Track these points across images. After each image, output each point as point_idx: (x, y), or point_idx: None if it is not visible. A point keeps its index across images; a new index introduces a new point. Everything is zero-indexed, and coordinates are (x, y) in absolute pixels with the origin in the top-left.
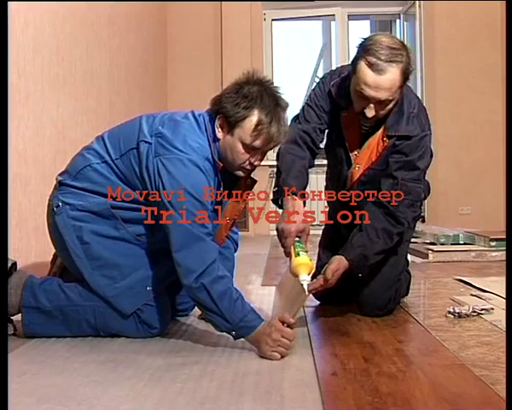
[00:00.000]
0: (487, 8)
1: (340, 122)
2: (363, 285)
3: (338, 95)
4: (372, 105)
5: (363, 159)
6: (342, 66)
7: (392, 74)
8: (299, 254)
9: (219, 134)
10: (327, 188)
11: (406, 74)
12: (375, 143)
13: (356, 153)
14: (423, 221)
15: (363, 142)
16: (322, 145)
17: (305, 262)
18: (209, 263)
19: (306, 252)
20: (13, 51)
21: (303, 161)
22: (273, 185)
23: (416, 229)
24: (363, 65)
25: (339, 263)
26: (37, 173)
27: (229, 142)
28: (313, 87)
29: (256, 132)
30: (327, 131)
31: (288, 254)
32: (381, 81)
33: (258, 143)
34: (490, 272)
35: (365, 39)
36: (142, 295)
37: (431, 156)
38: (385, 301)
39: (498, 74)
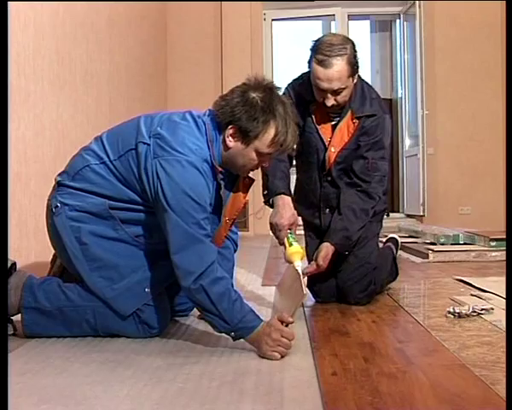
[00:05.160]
0: (487, 8)
1: (311, 115)
2: (343, 279)
3: (305, 91)
4: (329, 95)
5: (336, 141)
6: (303, 72)
7: (338, 66)
8: (292, 244)
9: (230, 143)
10: (297, 198)
11: (353, 64)
12: (345, 127)
13: (329, 139)
14: (388, 215)
15: (333, 128)
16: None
17: (297, 251)
18: (208, 265)
19: (297, 241)
20: (13, 51)
21: (284, 163)
22: (262, 189)
23: (416, 229)
24: (314, 63)
25: (327, 249)
26: (37, 173)
27: (243, 150)
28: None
29: (274, 143)
30: (300, 128)
31: (281, 244)
32: (329, 74)
33: (273, 151)
34: (490, 272)
35: (314, 41)
36: (140, 296)
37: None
38: (364, 286)
39: (498, 74)
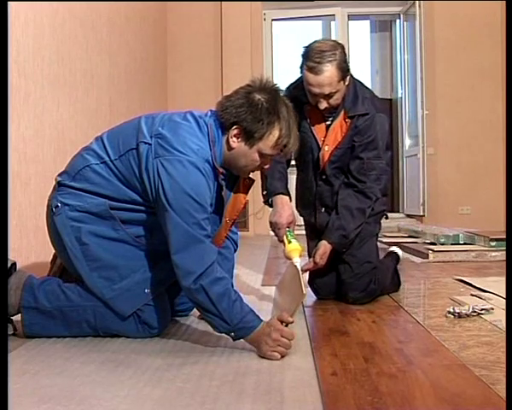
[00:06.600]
0: (487, 8)
1: (306, 116)
2: (343, 278)
3: (300, 93)
4: (321, 99)
5: (330, 140)
6: (299, 76)
7: (328, 72)
8: (291, 242)
9: (234, 144)
10: (297, 197)
11: (343, 68)
12: (338, 126)
13: (323, 138)
14: (387, 218)
15: (327, 128)
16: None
17: (296, 248)
18: (208, 265)
19: (296, 239)
20: (13, 51)
21: (282, 164)
22: (261, 189)
23: (416, 229)
24: (305, 70)
25: (324, 247)
26: (37, 173)
27: (246, 151)
28: None
29: (277, 145)
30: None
31: (281, 242)
32: (320, 80)
33: (276, 153)
34: (490, 272)
35: (305, 48)
36: (140, 297)
37: (388, 149)
38: (364, 286)
39: (498, 74)
